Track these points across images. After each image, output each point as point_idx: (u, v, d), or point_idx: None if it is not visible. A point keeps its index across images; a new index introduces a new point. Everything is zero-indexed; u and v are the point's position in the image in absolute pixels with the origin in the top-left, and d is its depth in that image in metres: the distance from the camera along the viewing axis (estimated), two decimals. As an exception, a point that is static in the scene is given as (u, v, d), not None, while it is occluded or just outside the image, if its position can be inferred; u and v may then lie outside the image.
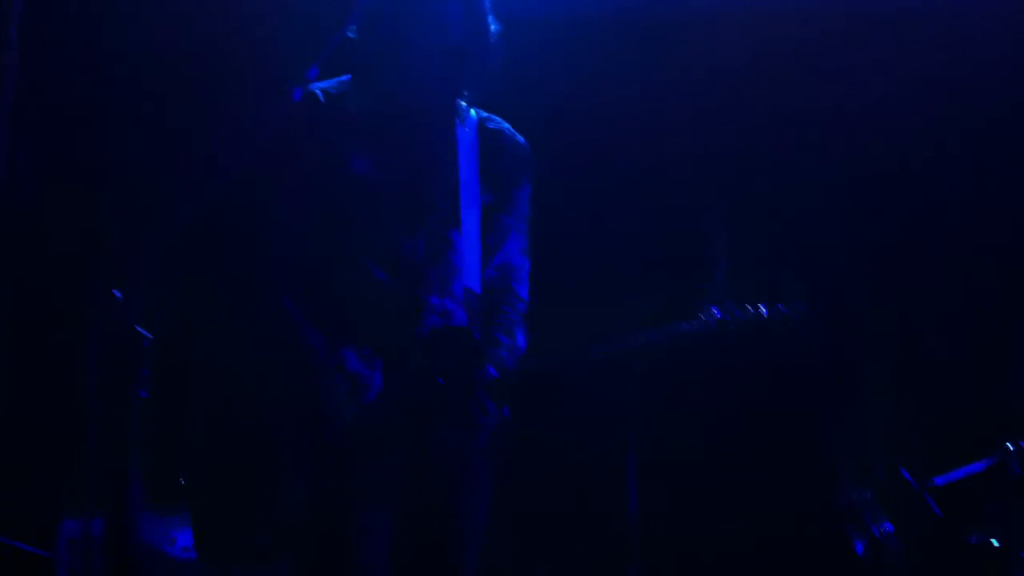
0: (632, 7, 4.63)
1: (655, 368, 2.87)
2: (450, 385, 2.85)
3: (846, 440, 4.54)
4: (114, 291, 2.34)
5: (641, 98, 4.63)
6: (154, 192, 3.94)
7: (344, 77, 3.04)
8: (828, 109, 4.66)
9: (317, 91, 2.97)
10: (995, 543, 3.88)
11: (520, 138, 3.13)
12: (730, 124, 4.65)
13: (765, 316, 2.84)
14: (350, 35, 2.92)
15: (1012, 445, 3.82)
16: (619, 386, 3.00)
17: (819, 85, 4.64)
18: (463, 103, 3.05)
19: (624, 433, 3.06)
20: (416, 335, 2.90)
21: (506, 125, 3.13)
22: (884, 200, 4.70)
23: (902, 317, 4.67)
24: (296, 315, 2.87)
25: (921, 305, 4.68)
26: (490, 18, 2.99)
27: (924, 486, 3.90)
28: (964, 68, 4.55)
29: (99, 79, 4.16)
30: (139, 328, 2.38)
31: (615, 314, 3.66)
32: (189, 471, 2.84)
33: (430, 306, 2.92)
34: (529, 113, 3.18)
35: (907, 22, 4.63)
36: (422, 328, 2.91)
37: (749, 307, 2.86)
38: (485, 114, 3.12)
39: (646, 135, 4.68)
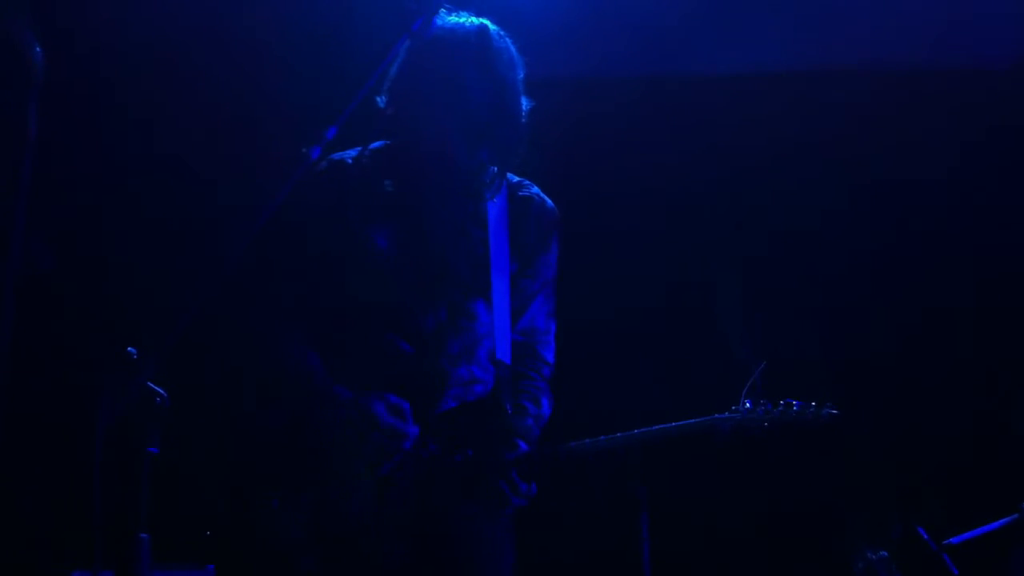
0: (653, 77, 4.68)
1: (679, 454, 2.88)
2: (479, 459, 2.80)
3: (863, 503, 4.53)
4: (129, 348, 2.36)
5: (667, 179, 4.67)
6: (170, 253, 3.98)
7: (374, 145, 3.00)
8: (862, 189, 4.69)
9: (347, 159, 2.94)
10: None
11: (549, 203, 3.09)
12: (759, 202, 4.68)
13: (796, 412, 2.87)
14: (379, 103, 2.89)
15: (1028, 504, 3.82)
16: (641, 470, 3.02)
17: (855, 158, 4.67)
18: (495, 171, 2.98)
19: (641, 513, 3.08)
20: (441, 408, 2.85)
21: (535, 190, 3.09)
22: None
23: (922, 382, 4.69)
24: (319, 372, 2.81)
25: (940, 370, 4.69)
26: (520, 95, 2.95)
27: (941, 545, 3.89)
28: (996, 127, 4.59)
29: (115, 141, 4.22)
30: (152, 385, 2.40)
31: (642, 406, 3.69)
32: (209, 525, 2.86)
33: (454, 377, 2.87)
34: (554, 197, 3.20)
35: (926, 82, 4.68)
36: (447, 400, 2.86)
37: (781, 403, 2.89)
38: (516, 179, 3.07)
39: (676, 218, 4.71)
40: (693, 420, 2.89)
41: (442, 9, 2.87)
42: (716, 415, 2.90)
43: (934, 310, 4.74)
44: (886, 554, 4.06)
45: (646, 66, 4.76)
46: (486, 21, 2.97)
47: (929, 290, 4.76)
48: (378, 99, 2.89)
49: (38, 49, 2.57)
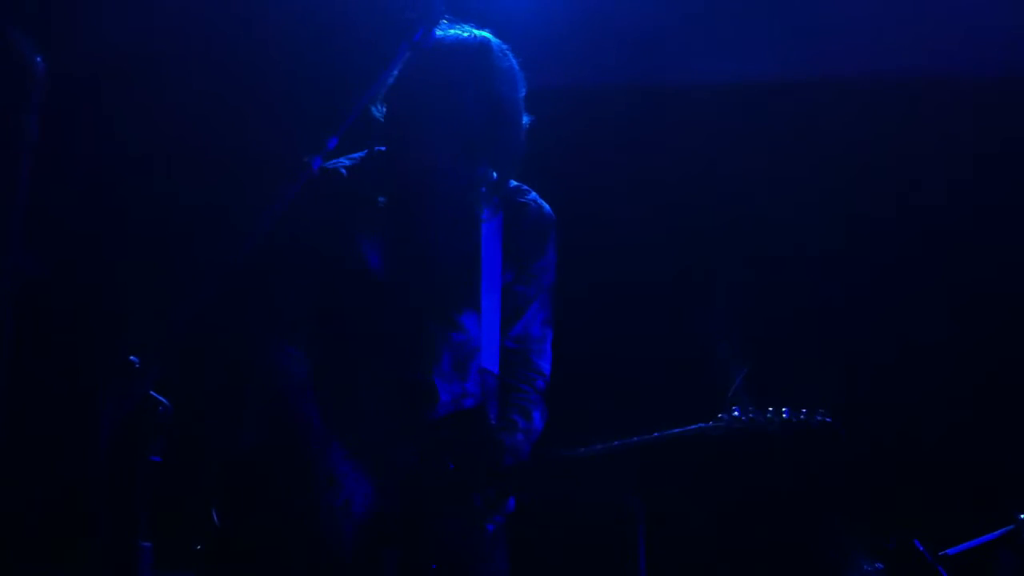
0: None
1: (666, 465, 2.86)
2: (461, 472, 2.77)
3: (856, 515, 4.53)
4: (131, 357, 2.36)
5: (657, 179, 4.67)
6: (169, 263, 3.97)
7: (368, 152, 2.98)
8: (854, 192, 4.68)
9: (340, 168, 2.92)
10: (1008, 614, 3.85)
11: (546, 208, 3.07)
12: (754, 211, 4.69)
13: (785, 420, 2.82)
14: (375, 113, 2.88)
15: (1024, 515, 3.83)
16: (628, 482, 3.00)
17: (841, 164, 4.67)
18: (490, 185, 2.97)
19: (632, 526, 3.06)
20: (427, 421, 2.83)
21: (532, 196, 3.07)
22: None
23: (916, 393, 4.69)
24: (302, 403, 2.80)
25: (935, 378, 4.70)
26: (521, 112, 2.93)
27: (937, 556, 3.88)
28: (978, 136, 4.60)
29: (117, 150, 4.21)
30: (154, 394, 2.40)
31: (629, 414, 3.67)
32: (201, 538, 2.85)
33: (446, 394, 2.86)
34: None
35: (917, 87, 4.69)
36: (434, 413, 2.85)
37: (771, 411, 2.84)
38: (514, 185, 3.05)
39: (660, 223, 4.71)
40: (680, 429, 2.86)
41: (444, 20, 2.85)
42: (702, 424, 2.86)
43: (933, 318, 4.75)
44: (881, 566, 4.05)
45: (642, 75, 4.78)
46: (488, 35, 2.95)
47: (928, 298, 4.77)
48: (374, 108, 2.88)
49: (39, 59, 2.57)
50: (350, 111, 2.65)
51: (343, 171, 2.94)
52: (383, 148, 3.00)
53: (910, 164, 4.72)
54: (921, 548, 3.91)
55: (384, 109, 2.90)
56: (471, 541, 2.83)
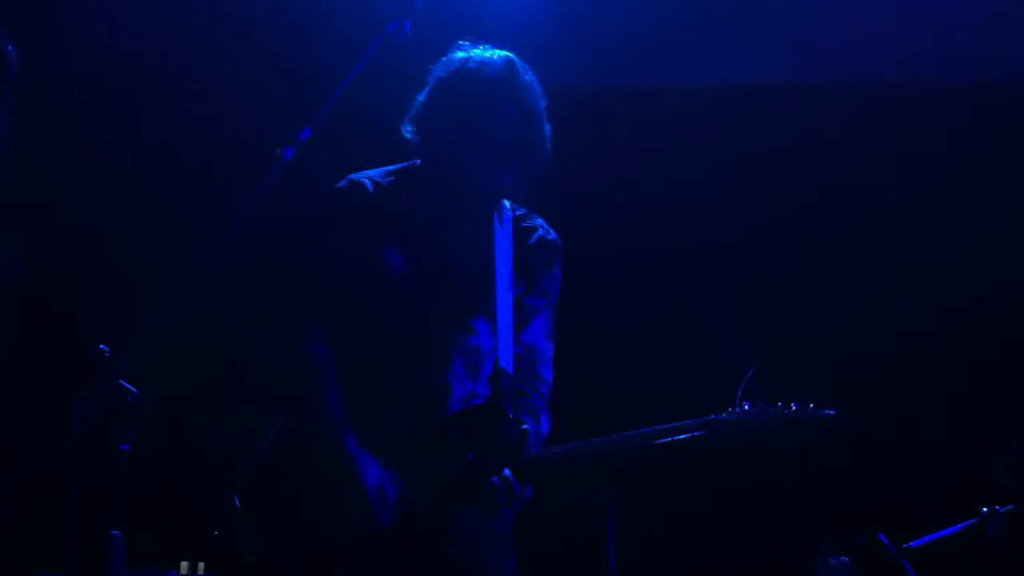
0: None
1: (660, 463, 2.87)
2: (480, 460, 2.86)
3: (826, 508, 4.57)
4: (101, 346, 2.36)
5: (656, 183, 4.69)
6: (147, 258, 3.97)
7: (391, 168, 3.11)
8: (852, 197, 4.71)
9: (366, 181, 3.04)
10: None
11: (552, 234, 3.21)
12: (753, 211, 4.72)
13: (794, 414, 2.85)
14: (406, 135, 3.03)
15: (988, 508, 3.87)
16: (623, 474, 3.02)
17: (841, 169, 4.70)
18: (508, 190, 3.11)
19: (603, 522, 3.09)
20: (443, 418, 2.93)
21: (539, 221, 3.21)
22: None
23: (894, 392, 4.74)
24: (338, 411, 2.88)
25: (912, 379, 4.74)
26: (544, 123, 3.08)
27: (902, 549, 3.93)
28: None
29: (89, 142, 4.21)
30: (124, 383, 2.40)
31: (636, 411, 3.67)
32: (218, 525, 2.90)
33: (457, 394, 2.96)
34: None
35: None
36: (446, 411, 2.94)
37: (779, 404, 2.87)
38: (521, 211, 3.19)
39: (668, 225, 4.73)
40: (690, 421, 2.88)
41: (464, 42, 3.08)
42: (713, 416, 2.88)
43: (908, 321, 4.80)
44: (847, 560, 4.09)
45: (627, 77, 4.81)
46: (510, 54, 3.10)
47: (906, 303, 4.82)
48: (404, 131, 3.04)
49: (11, 49, 2.57)
50: (324, 104, 2.67)
51: (367, 181, 3.04)
52: (404, 164, 3.13)
53: (907, 165, 4.75)
54: (885, 541, 3.95)
55: (414, 128, 3.04)
56: (489, 532, 2.91)
